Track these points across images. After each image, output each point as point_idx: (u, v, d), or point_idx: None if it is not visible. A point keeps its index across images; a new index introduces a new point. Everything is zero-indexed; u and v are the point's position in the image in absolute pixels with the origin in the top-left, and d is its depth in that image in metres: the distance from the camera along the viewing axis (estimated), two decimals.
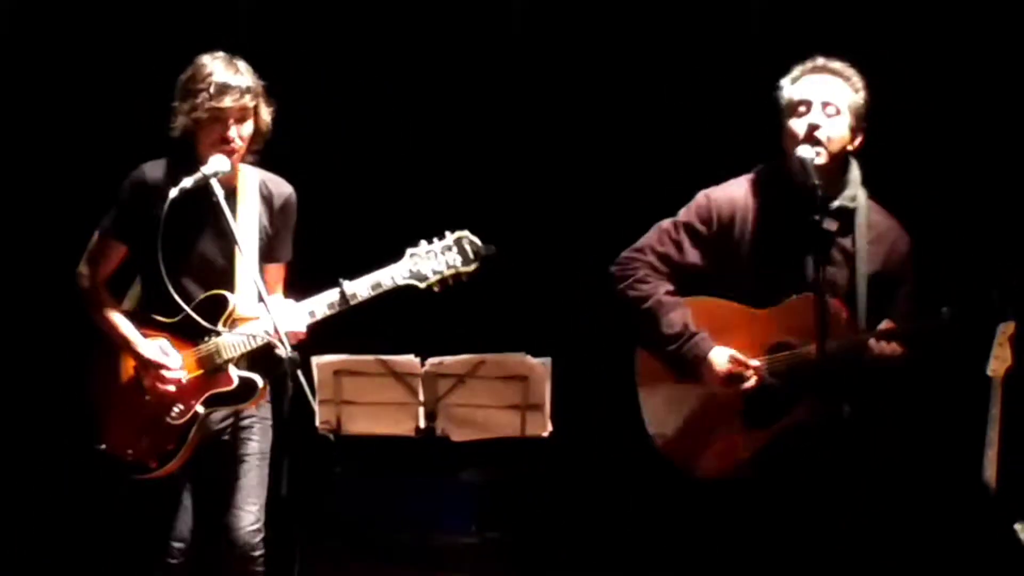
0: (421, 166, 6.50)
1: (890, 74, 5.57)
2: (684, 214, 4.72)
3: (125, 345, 4.74)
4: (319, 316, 4.63)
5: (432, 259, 4.64)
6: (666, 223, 4.74)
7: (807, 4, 5.94)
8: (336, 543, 5.84)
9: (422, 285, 4.65)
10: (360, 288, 4.64)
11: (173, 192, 4.53)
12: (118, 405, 4.78)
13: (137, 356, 4.72)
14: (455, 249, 4.65)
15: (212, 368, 4.72)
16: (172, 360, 4.70)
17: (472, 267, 4.66)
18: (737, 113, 4.93)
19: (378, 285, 4.64)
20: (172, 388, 4.70)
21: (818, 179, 4.43)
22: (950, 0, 5.80)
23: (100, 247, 4.79)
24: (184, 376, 4.70)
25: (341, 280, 4.63)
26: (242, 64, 4.71)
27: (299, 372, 4.24)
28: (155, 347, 4.71)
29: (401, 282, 4.64)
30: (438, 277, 4.65)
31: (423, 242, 4.67)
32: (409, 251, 4.67)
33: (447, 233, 4.67)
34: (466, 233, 4.67)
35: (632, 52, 6.24)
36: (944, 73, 5.81)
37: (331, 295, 4.64)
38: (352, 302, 4.63)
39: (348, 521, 6.12)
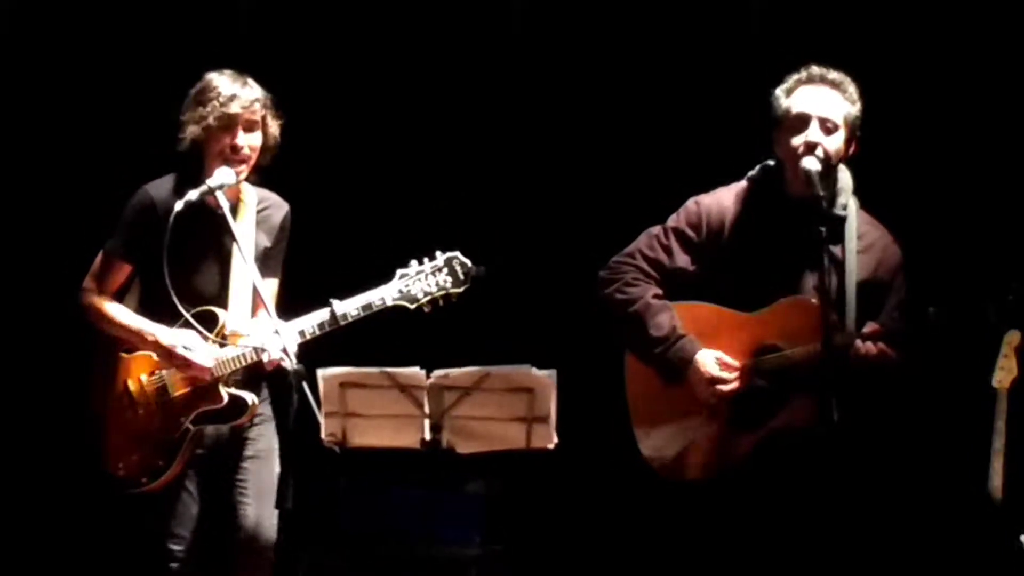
0: (419, 177, 6.50)
1: (888, 77, 5.60)
2: (674, 220, 4.74)
3: (144, 342, 4.72)
4: (308, 336, 4.63)
5: (422, 280, 4.65)
6: (656, 229, 4.75)
7: (807, 4, 5.93)
8: (341, 555, 5.83)
9: (412, 306, 4.65)
10: (350, 308, 4.64)
11: (179, 205, 4.54)
12: (110, 420, 4.79)
13: (160, 346, 4.70)
14: (446, 270, 4.66)
15: (201, 386, 4.72)
16: (201, 346, 4.68)
17: (462, 288, 4.66)
18: (738, 115, 4.92)
19: (368, 306, 4.65)
20: (202, 368, 4.69)
21: (822, 191, 4.44)
22: (948, 3, 5.79)
23: (106, 268, 4.80)
24: (213, 364, 4.69)
25: (331, 300, 4.64)
26: (250, 79, 4.74)
27: (304, 384, 4.24)
28: (180, 334, 4.69)
29: (391, 303, 4.65)
30: (428, 298, 4.65)
31: (413, 262, 4.67)
32: (399, 272, 4.67)
33: (438, 254, 4.68)
34: (457, 254, 4.68)
35: (631, 54, 6.23)
36: (944, 76, 5.80)
37: (321, 315, 4.65)
38: (342, 322, 4.64)
39: (353, 533, 6.11)
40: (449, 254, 4.67)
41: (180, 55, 5.73)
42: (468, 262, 4.67)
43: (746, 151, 4.82)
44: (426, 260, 4.68)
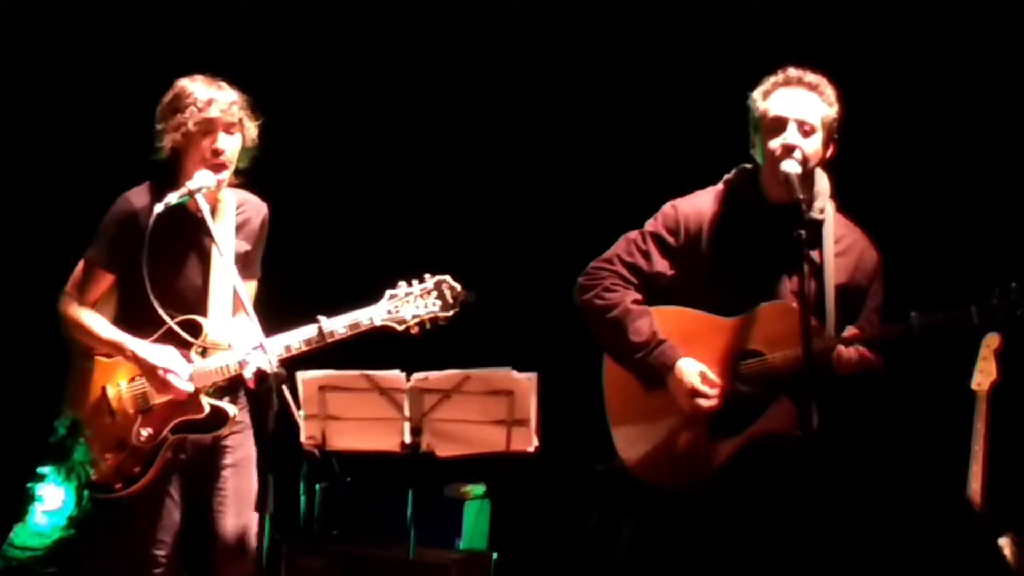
0: (408, 178, 6.51)
1: (876, 80, 5.61)
2: (652, 224, 4.72)
3: (123, 355, 4.69)
4: (295, 351, 4.62)
5: (411, 302, 4.65)
6: (633, 234, 4.73)
7: (807, 4, 5.93)
8: (321, 558, 5.82)
9: (400, 328, 4.65)
10: (338, 327, 4.64)
11: (159, 207, 4.53)
12: (86, 425, 4.76)
13: (140, 362, 4.68)
14: (435, 293, 4.66)
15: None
16: (180, 367, 4.66)
17: (451, 312, 4.66)
18: (730, 119, 4.92)
19: (356, 325, 4.64)
20: (178, 392, 4.66)
21: (802, 194, 4.44)
22: (937, 7, 5.81)
23: (88, 277, 4.76)
24: (191, 388, 4.67)
25: (319, 317, 4.63)
26: (223, 82, 4.72)
27: (284, 388, 4.23)
28: (160, 353, 4.67)
29: (379, 323, 4.65)
30: (416, 321, 4.65)
31: (402, 283, 4.67)
32: (388, 292, 4.67)
33: (427, 276, 4.68)
34: (446, 278, 4.68)
35: (630, 54, 6.24)
36: (930, 80, 5.80)
37: (308, 331, 4.64)
38: (329, 340, 4.63)
39: (333, 536, 6.11)
40: (439, 277, 4.68)
41: (177, 58, 5.70)
42: (458, 286, 4.67)
43: (724, 153, 4.82)
44: (415, 282, 4.68)
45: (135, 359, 4.67)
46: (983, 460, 4.71)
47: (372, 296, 4.68)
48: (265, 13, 6.42)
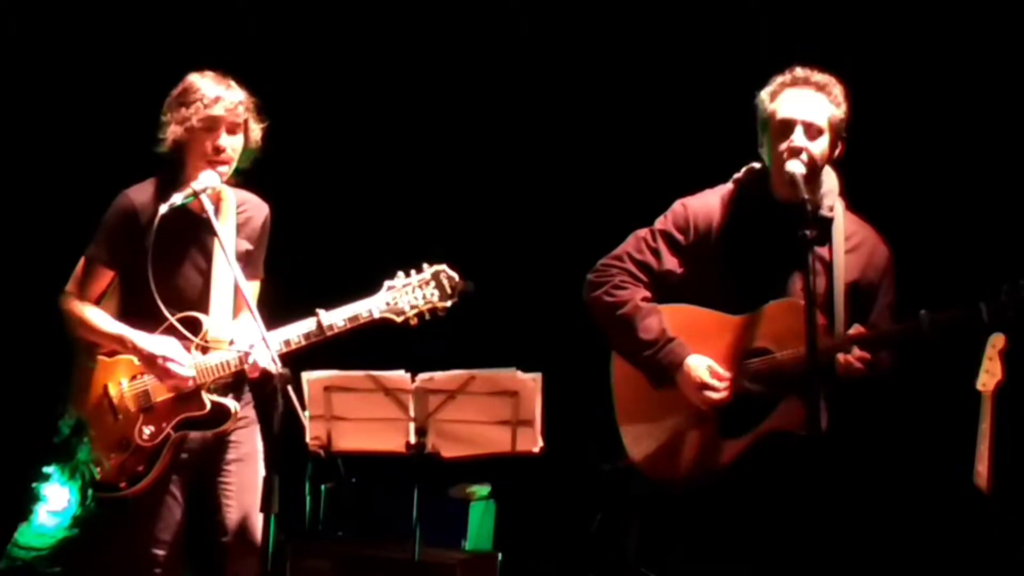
0: (409, 177, 6.51)
1: (882, 79, 5.61)
2: (661, 222, 4.73)
3: (125, 348, 4.70)
4: (294, 345, 4.63)
5: (409, 293, 4.65)
6: (643, 231, 4.75)
7: (807, 4, 5.93)
8: (326, 558, 5.82)
9: (399, 319, 4.65)
10: (336, 319, 4.64)
11: (163, 208, 4.53)
12: (89, 424, 4.76)
13: (141, 353, 4.68)
14: (433, 283, 4.66)
15: (184, 392, 4.71)
16: (181, 355, 4.67)
17: (449, 302, 4.66)
18: (738, 118, 4.93)
19: (355, 318, 4.65)
20: (183, 378, 4.66)
21: (807, 194, 4.43)
22: (947, 4, 5.81)
23: (88, 274, 4.77)
24: (193, 373, 4.67)
25: (318, 311, 4.63)
26: (233, 81, 4.73)
27: (289, 388, 4.23)
28: (161, 343, 4.67)
29: (378, 315, 4.65)
30: (415, 312, 4.65)
31: (400, 274, 4.67)
32: (387, 284, 4.67)
33: (425, 266, 4.67)
34: (444, 267, 4.68)
35: (639, 51, 6.24)
36: (937, 78, 5.80)
37: (307, 324, 4.64)
38: (328, 333, 4.63)
39: (338, 536, 6.11)
40: (436, 267, 4.68)
41: (180, 56, 5.71)
42: (456, 276, 4.67)
43: (733, 152, 4.82)
44: (413, 272, 4.68)
45: (136, 351, 4.68)
46: (988, 461, 4.69)
47: (371, 289, 4.68)
48: (265, 13, 6.42)
